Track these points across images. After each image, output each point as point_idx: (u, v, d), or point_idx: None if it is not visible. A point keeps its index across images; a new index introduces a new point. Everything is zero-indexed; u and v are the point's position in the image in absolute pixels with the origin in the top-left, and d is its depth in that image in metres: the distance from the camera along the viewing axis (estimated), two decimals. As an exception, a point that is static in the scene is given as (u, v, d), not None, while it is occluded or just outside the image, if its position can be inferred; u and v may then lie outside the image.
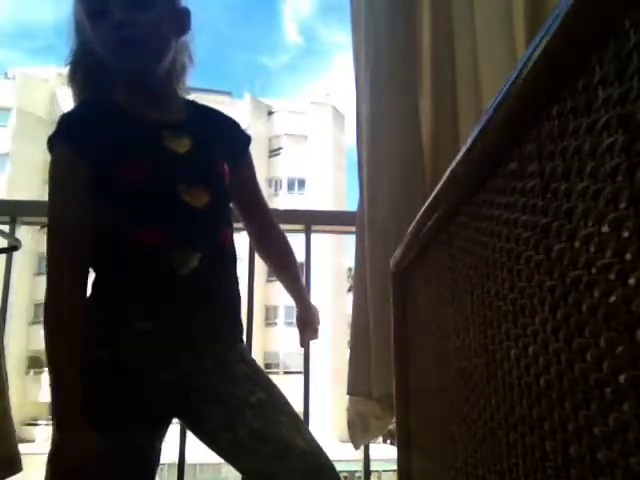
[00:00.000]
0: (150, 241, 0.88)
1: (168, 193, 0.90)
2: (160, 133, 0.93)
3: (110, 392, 0.86)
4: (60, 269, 0.86)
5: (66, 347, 0.83)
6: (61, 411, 0.81)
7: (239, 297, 1.00)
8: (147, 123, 0.94)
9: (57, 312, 0.85)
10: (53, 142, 0.91)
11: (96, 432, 0.80)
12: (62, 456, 0.80)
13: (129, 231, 0.89)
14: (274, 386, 0.93)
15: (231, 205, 1.05)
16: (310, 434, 0.88)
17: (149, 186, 0.89)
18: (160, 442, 0.94)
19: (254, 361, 0.99)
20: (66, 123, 0.91)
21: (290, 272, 1.19)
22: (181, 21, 0.99)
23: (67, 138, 0.90)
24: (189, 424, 0.93)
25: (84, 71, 0.97)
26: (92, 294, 0.92)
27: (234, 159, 1.04)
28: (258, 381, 0.92)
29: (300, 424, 0.88)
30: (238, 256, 1.01)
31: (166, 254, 0.88)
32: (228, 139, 1.05)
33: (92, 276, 0.94)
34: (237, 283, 1.00)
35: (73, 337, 0.83)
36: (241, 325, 1.01)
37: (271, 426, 0.84)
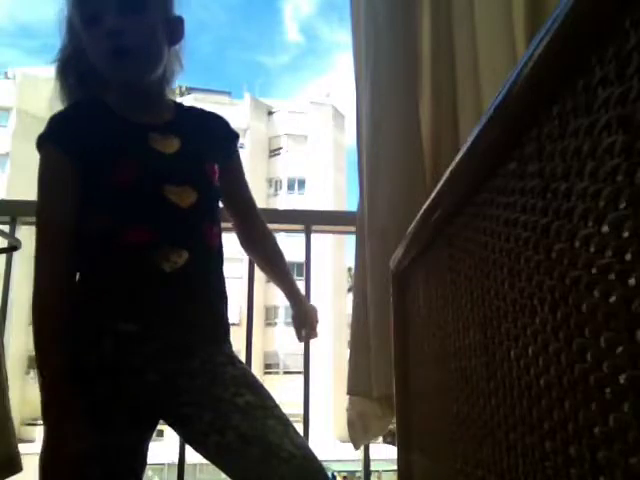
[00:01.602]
0: (136, 240, 0.89)
1: (154, 193, 0.91)
2: (147, 135, 0.94)
3: (95, 393, 0.86)
4: (46, 267, 0.88)
5: (51, 337, 0.85)
6: (50, 403, 0.82)
7: (226, 297, 1.00)
8: (135, 125, 0.95)
9: (43, 307, 0.86)
10: (42, 142, 0.92)
11: (82, 432, 0.81)
12: (54, 445, 0.81)
13: (115, 231, 0.90)
14: (263, 388, 0.92)
15: (220, 205, 1.05)
16: (299, 437, 0.86)
17: (135, 187, 0.90)
18: (146, 443, 0.94)
19: (243, 363, 0.98)
20: (55, 124, 0.92)
21: (280, 270, 1.19)
22: (174, 30, 0.99)
23: (55, 139, 0.91)
24: (176, 426, 0.91)
25: (75, 72, 0.97)
26: (78, 295, 0.91)
27: (223, 158, 1.05)
28: (246, 383, 0.90)
29: (289, 427, 0.86)
30: (225, 256, 1.01)
31: (151, 253, 0.89)
32: (217, 138, 1.06)
33: (78, 276, 0.94)
34: (223, 283, 1.00)
35: (58, 329, 0.84)
36: (227, 326, 1.00)
37: (258, 429, 0.82)
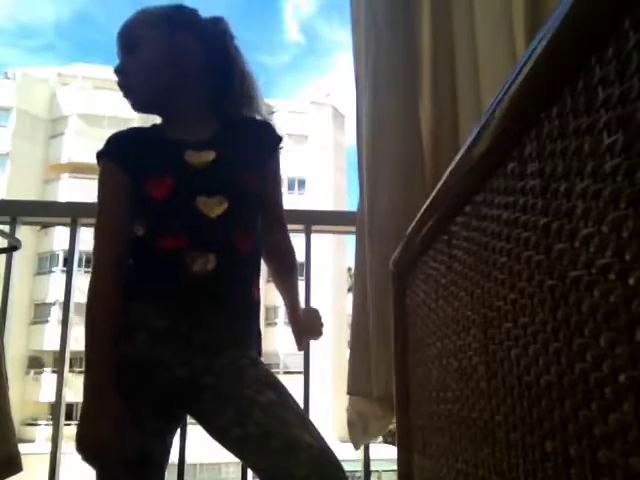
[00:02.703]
0: (168, 246, 0.98)
1: (186, 204, 0.99)
2: (184, 151, 1.03)
3: (125, 382, 0.92)
4: (100, 266, 0.99)
5: (98, 334, 0.94)
6: (89, 385, 0.91)
7: (255, 303, 1.04)
8: (174, 144, 1.05)
9: (95, 300, 0.96)
10: (99, 157, 1.06)
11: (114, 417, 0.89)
12: (87, 424, 0.89)
13: (152, 237, 1.00)
14: (284, 388, 0.96)
15: (257, 214, 1.08)
16: (318, 432, 0.90)
17: (170, 198, 1.00)
18: (170, 436, 0.99)
19: (265, 366, 1.02)
20: (109, 142, 1.07)
21: (288, 287, 1.19)
22: (194, 53, 1.07)
23: (108, 153, 1.05)
24: (200, 420, 0.97)
25: None
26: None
27: (262, 165, 1.10)
28: (268, 383, 0.94)
29: (308, 423, 0.91)
30: (259, 264, 1.07)
31: (181, 257, 0.97)
32: (257, 146, 1.10)
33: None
34: (252, 288, 1.03)
35: (106, 323, 0.94)
36: (256, 332, 1.05)
37: (278, 423, 0.87)
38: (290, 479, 0.83)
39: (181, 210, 1.00)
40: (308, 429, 0.88)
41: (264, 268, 1.18)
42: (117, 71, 1.06)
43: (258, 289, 1.06)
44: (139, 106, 1.08)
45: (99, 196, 1.04)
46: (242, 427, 0.88)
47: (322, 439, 0.88)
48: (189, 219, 0.99)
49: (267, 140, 1.13)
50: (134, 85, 1.06)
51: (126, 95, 1.06)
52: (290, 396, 0.94)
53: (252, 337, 1.04)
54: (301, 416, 0.91)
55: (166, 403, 0.95)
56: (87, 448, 0.88)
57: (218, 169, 1.03)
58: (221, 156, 1.04)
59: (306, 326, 1.19)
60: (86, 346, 0.94)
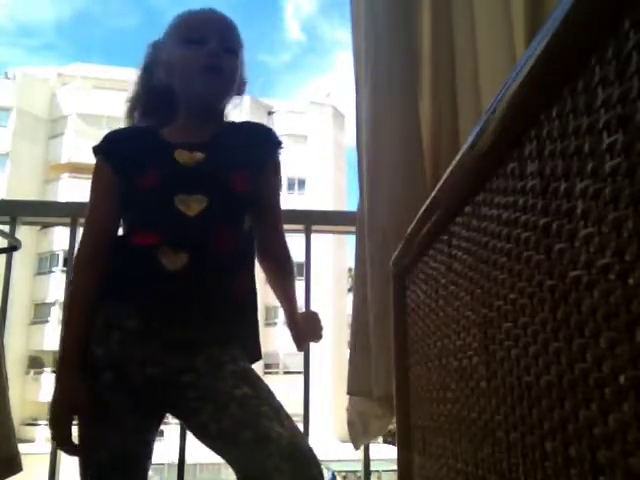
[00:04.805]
0: (142, 242, 1.00)
1: (165, 201, 1.00)
2: (174, 150, 1.05)
3: (100, 380, 0.94)
4: (80, 258, 1.04)
5: (73, 322, 0.98)
6: (58, 368, 0.97)
7: (239, 304, 1.03)
8: (167, 143, 1.07)
9: (72, 290, 1.01)
10: (94, 153, 1.10)
11: (89, 421, 0.94)
12: (56, 400, 0.94)
13: (129, 233, 1.04)
14: (260, 382, 0.95)
15: (243, 212, 1.08)
16: (290, 422, 0.90)
17: (151, 195, 1.02)
18: (152, 435, 1.00)
19: (245, 362, 1.00)
20: (105, 139, 1.11)
21: (287, 291, 1.19)
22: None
23: (102, 151, 1.09)
24: (183, 419, 0.98)
25: (141, 108, 1.17)
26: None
27: (257, 166, 1.10)
28: (245, 378, 0.94)
29: (281, 414, 0.90)
30: (247, 261, 1.07)
31: (153, 254, 0.97)
32: (252, 148, 1.11)
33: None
34: (234, 289, 1.02)
35: (80, 314, 0.98)
36: (243, 333, 1.04)
37: (251, 416, 0.87)
38: (261, 471, 0.83)
39: (159, 207, 1.01)
40: (279, 419, 0.88)
41: (261, 270, 1.17)
42: (228, 51, 1.09)
43: (245, 289, 1.05)
44: (215, 88, 1.10)
45: (90, 191, 1.07)
46: (218, 423, 0.88)
47: (294, 430, 0.88)
48: (165, 216, 1.01)
49: (265, 143, 1.14)
50: (224, 70, 1.09)
51: (213, 75, 1.07)
52: (265, 389, 0.94)
53: (236, 337, 1.02)
54: (273, 407, 0.90)
55: (144, 402, 0.96)
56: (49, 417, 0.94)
57: (204, 168, 1.04)
58: (210, 157, 1.05)
59: (305, 330, 1.19)
60: (63, 330, 0.99)
